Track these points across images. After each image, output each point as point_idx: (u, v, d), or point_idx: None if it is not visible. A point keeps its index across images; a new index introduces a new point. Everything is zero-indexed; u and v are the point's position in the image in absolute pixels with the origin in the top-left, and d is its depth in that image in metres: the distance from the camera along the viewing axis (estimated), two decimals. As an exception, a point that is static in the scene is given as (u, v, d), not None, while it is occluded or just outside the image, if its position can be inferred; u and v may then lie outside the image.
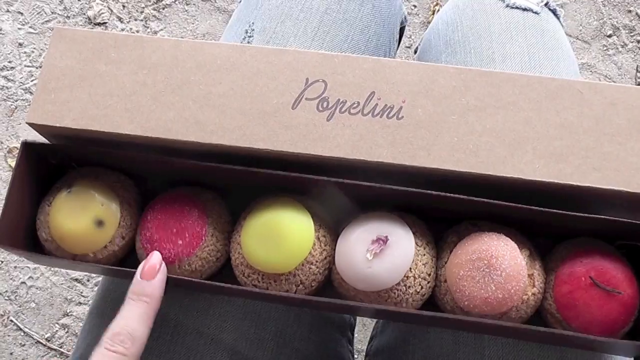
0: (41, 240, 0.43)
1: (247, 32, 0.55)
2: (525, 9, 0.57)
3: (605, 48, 1.11)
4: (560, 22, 0.60)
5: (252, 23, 0.56)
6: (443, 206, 0.40)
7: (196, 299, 0.49)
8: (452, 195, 0.38)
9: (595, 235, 0.42)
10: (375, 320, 0.62)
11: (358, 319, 0.69)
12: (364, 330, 1.01)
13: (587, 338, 0.38)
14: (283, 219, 0.40)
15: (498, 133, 0.39)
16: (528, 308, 0.40)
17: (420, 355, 0.49)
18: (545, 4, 0.59)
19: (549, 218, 0.39)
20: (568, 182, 0.39)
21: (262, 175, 0.40)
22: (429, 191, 0.38)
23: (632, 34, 1.14)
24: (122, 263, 0.46)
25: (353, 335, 0.61)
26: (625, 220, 0.38)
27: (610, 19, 1.13)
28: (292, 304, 0.46)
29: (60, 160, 0.45)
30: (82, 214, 0.42)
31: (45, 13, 1.17)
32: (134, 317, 0.39)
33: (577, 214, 0.38)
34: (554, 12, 0.60)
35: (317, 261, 0.41)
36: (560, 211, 0.38)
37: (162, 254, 0.41)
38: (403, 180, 0.40)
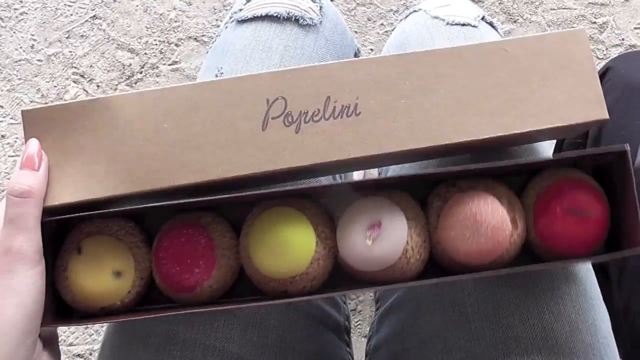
0: (70, 303, 0.46)
1: (216, 77, 0.60)
2: (464, 24, 0.63)
3: None
4: (498, 32, 0.66)
5: (221, 67, 0.61)
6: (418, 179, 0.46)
7: (200, 313, 0.53)
8: (421, 173, 0.44)
9: (560, 165, 0.48)
10: (370, 322, 0.67)
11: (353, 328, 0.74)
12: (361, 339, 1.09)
13: (570, 262, 0.44)
14: (284, 228, 0.45)
15: (445, 105, 0.45)
16: (517, 247, 0.46)
17: (414, 340, 0.55)
18: (482, 18, 0.65)
19: (510, 168, 0.45)
20: (512, 132, 0.45)
21: (252, 197, 0.45)
22: (399, 175, 0.44)
23: None
24: (144, 299, 0.49)
25: (350, 338, 0.67)
26: (586, 152, 0.45)
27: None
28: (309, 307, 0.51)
29: (58, 225, 0.48)
30: (99, 272, 0.45)
31: (24, 102, 1.20)
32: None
33: (541, 159, 0.44)
34: (491, 24, 0.66)
35: (322, 256, 0.46)
36: (524, 160, 0.44)
37: (185, 284, 0.45)
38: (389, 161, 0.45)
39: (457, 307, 0.53)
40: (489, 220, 0.44)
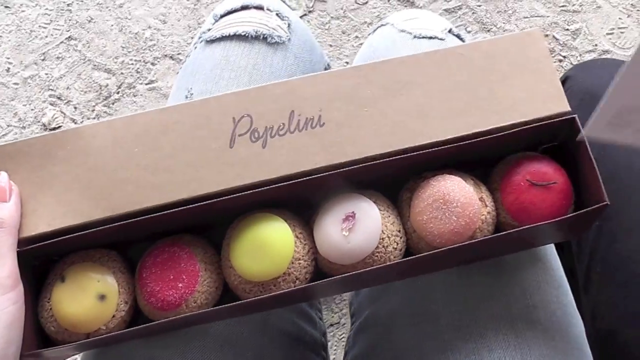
0: (52, 334, 0.47)
1: (187, 98, 0.62)
2: (431, 37, 0.65)
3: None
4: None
5: (191, 88, 0.62)
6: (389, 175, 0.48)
7: (176, 335, 0.53)
8: (389, 159, 0.46)
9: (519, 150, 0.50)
10: (347, 336, 0.67)
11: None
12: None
13: (545, 225, 0.45)
14: (263, 231, 0.46)
15: (407, 110, 0.47)
16: (488, 226, 0.48)
17: (389, 355, 0.56)
18: (449, 31, 0.67)
19: (473, 149, 0.47)
20: (474, 130, 0.47)
21: (219, 205, 0.45)
22: (369, 164, 0.45)
23: (552, 54, 1.25)
24: (129, 327, 0.49)
25: (327, 353, 0.67)
26: (535, 125, 0.47)
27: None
28: (296, 299, 0.51)
29: (41, 260, 0.49)
30: (83, 295, 0.46)
31: (1, 127, 1.21)
32: None
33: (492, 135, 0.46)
34: (457, 36, 0.67)
35: (302, 255, 0.47)
36: (480, 138, 0.46)
37: (168, 300, 0.46)
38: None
39: (430, 320, 0.54)
40: (457, 197, 0.46)
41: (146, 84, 1.29)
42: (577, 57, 1.30)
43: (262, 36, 0.64)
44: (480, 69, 0.48)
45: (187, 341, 0.53)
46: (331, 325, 1.12)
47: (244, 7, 0.67)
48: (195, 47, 0.68)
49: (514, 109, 0.48)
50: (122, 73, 1.30)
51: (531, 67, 0.49)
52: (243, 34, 0.64)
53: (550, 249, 0.57)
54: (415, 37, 0.65)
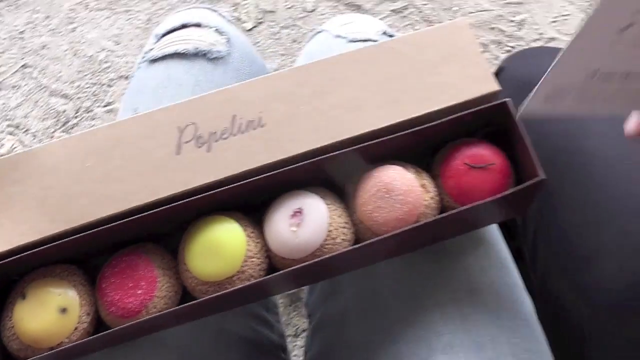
0: (14, 352, 0.47)
1: None
2: (365, 40, 0.67)
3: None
4: None
5: (137, 108, 0.64)
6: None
7: (135, 348, 0.53)
8: (333, 154, 0.48)
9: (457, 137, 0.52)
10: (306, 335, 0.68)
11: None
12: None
13: (485, 203, 0.47)
14: (215, 232, 0.48)
15: (342, 104, 0.49)
16: (432, 211, 0.50)
17: (345, 353, 0.57)
18: (384, 33, 0.69)
19: (413, 139, 0.49)
20: (409, 116, 0.49)
21: (170, 211, 0.47)
22: (312, 161, 0.48)
23: (500, 46, 1.29)
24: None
25: (287, 355, 0.69)
26: (471, 111, 0.49)
27: (477, 38, 1.28)
28: (252, 295, 0.52)
29: (2, 281, 0.49)
30: (44, 310, 0.46)
31: None
32: None
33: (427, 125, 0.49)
34: (391, 36, 0.69)
35: (255, 253, 0.49)
36: (417, 127, 0.49)
37: (128, 307, 0.47)
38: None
39: (380, 313, 0.55)
40: (399, 185, 0.48)
41: (104, 107, 1.30)
42: (524, 46, 1.34)
43: (201, 52, 0.66)
44: (411, 60, 0.51)
45: (145, 355, 0.54)
46: (303, 331, 1.13)
47: (184, 26, 0.69)
48: (139, 67, 0.69)
49: (445, 93, 0.50)
50: (79, 97, 1.31)
51: (459, 54, 0.51)
52: (183, 51, 0.66)
53: (493, 232, 0.59)
54: (350, 41, 0.68)
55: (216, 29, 0.70)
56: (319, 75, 0.50)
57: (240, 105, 0.50)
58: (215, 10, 0.74)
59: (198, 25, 0.69)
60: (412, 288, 0.55)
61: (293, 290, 1.17)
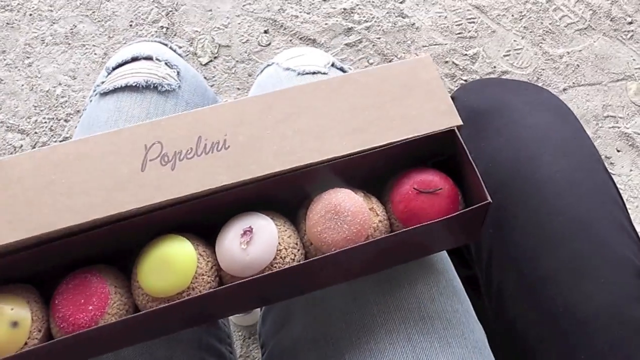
0: None
1: None
2: (314, 72, 0.69)
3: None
4: None
5: None
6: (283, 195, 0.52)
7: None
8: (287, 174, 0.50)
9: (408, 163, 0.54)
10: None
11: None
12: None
13: (433, 225, 0.49)
14: (166, 248, 0.49)
15: (306, 131, 0.51)
16: (381, 233, 0.51)
17: None
18: (332, 65, 0.71)
19: (363, 164, 0.51)
20: (371, 145, 0.51)
21: (128, 226, 0.48)
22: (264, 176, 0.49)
23: (454, 79, 1.34)
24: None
25: None
26: (417, 137, 0.51)
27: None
28: (199, 314, 0.52)
29: None
30: None
31: None
32: None
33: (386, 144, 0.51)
34: (340, 69, 0.72)
35: (206, 271, 0.50)
36: (374, 148, 0.51)
37: (79, 323, 0.47)
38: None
39: (330, 343, 0.57)
40: (348, 207, 0.50)
41: (61, 141, 1.29)
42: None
43: (152, 85, 0.68)
44: (375, 92, 0.53)
45: None
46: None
47: (134, 59, 0.71)
48: (91, 101, 0.71)
49: (407, 125, 0.52)
50: (35, 132, 1.31)
51: (423, 89, 0.53)
52: (134, 84, 0.67)
53: (444, 260, 0.61)
54: (299, 73, 0.69)
55: (166, 62, 0.71)
56: (285, 102, 0.52)
57: (206, 127, 0.51)
58: (165, 44, 0.75)
59: (149, 58, 0.71)
60: (362, 317, 0.57)
61: (242, 314, 1.17)
